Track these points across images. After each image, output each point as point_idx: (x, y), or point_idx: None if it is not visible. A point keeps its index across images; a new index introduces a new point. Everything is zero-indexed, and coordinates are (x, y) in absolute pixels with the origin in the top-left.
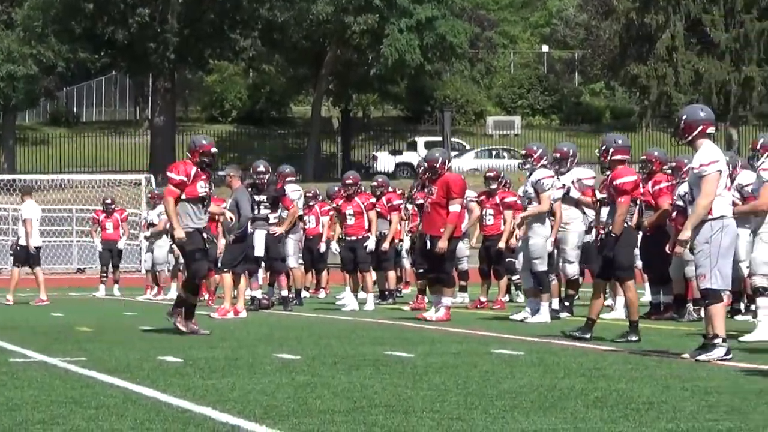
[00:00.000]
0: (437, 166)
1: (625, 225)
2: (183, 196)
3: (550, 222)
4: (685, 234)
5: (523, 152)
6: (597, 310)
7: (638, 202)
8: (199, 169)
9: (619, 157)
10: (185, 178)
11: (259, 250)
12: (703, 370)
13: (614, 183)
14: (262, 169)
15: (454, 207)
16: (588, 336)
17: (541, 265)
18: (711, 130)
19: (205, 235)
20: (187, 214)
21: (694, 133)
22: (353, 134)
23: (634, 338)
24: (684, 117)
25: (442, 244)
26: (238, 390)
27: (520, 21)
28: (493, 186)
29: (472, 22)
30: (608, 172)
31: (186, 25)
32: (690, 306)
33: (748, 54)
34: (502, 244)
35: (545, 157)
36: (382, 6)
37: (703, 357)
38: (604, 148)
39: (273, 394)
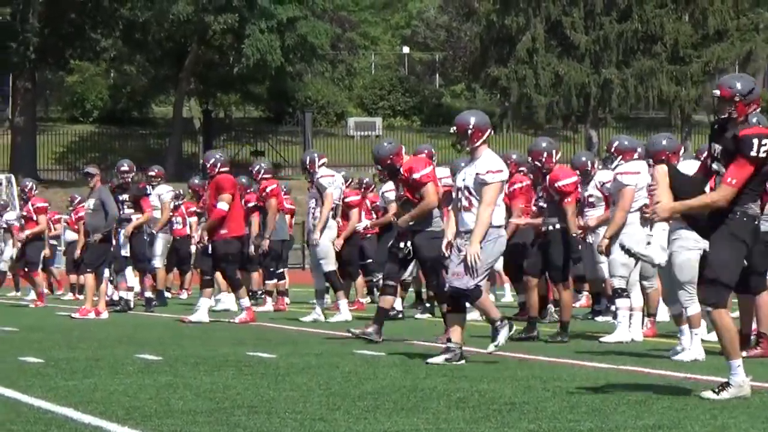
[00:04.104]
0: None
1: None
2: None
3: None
4: (475, 247)
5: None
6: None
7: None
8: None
9: None
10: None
11: (126, 250)
12: (564, 371)
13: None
14: (125, 168)
15: (221, 205)
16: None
17: (327, 266)
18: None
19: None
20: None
21: (483, 138)
22: (215, 134)
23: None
24: (473, 123)
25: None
26: (101, 391)
27: (381, 22)
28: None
29: (333, 23)
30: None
31: (46, 24)
32: (551, 307)
33: (607, 56)
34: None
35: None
36: (241, 6)
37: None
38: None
39: (135, 395)
